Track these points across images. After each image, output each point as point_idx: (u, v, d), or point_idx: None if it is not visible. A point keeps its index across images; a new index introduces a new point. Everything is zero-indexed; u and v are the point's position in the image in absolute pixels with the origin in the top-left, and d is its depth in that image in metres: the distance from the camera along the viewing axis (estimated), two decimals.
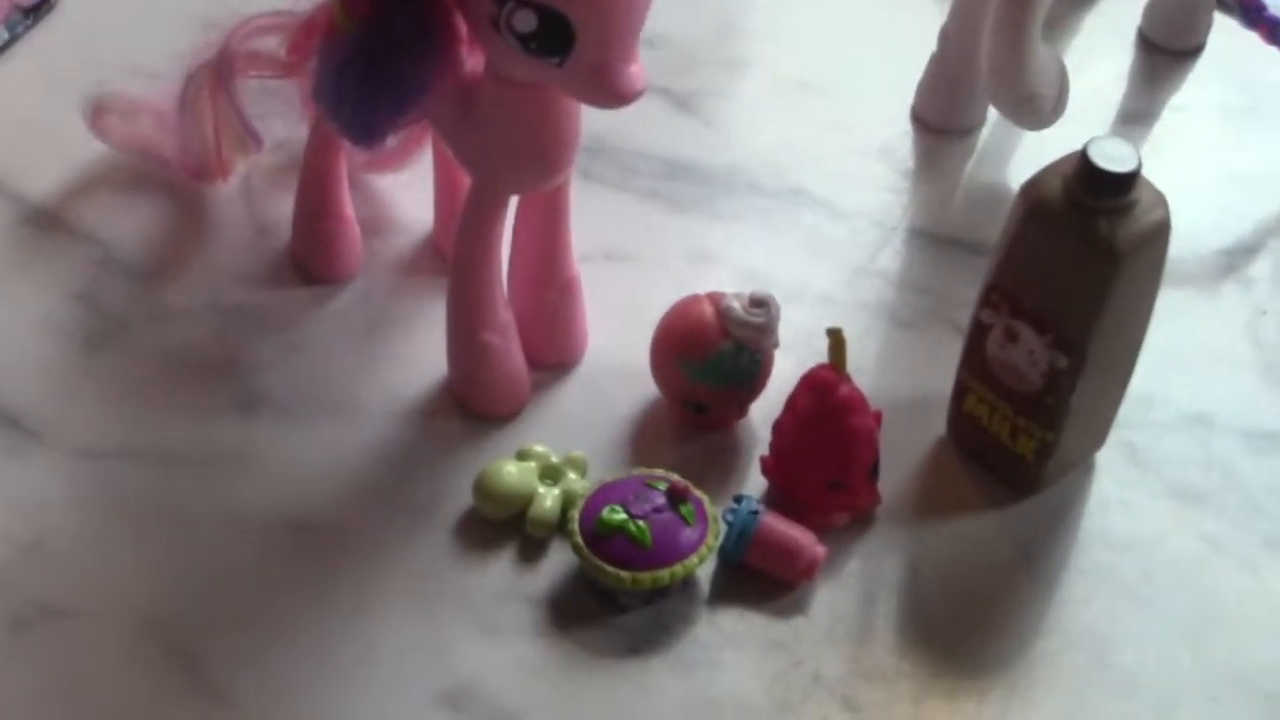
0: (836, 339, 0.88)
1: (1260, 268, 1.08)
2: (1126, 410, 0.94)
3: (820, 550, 0.88)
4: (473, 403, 0.97)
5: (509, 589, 0.89)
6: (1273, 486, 0.95)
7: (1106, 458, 0.96)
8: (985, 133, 1.15)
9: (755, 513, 0.88)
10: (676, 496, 0.88)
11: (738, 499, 0.89)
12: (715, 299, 0.93)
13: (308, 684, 0.85)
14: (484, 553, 0.90)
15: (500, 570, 0.90)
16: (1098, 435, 0.95)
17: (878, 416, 0.91)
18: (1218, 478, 0.96)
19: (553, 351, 1.00)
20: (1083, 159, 0.82)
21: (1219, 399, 1.00)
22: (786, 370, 0.93)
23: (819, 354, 0.90)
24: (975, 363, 0.92)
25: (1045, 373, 0.87)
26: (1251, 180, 1.14)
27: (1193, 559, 0.91)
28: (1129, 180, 0.81)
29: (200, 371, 0.99)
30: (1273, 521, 0.93)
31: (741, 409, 0.96)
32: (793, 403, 0.90)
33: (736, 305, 0.92)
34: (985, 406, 0.92)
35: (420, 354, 1.00)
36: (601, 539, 0.86)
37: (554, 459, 0.93)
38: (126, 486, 0.93)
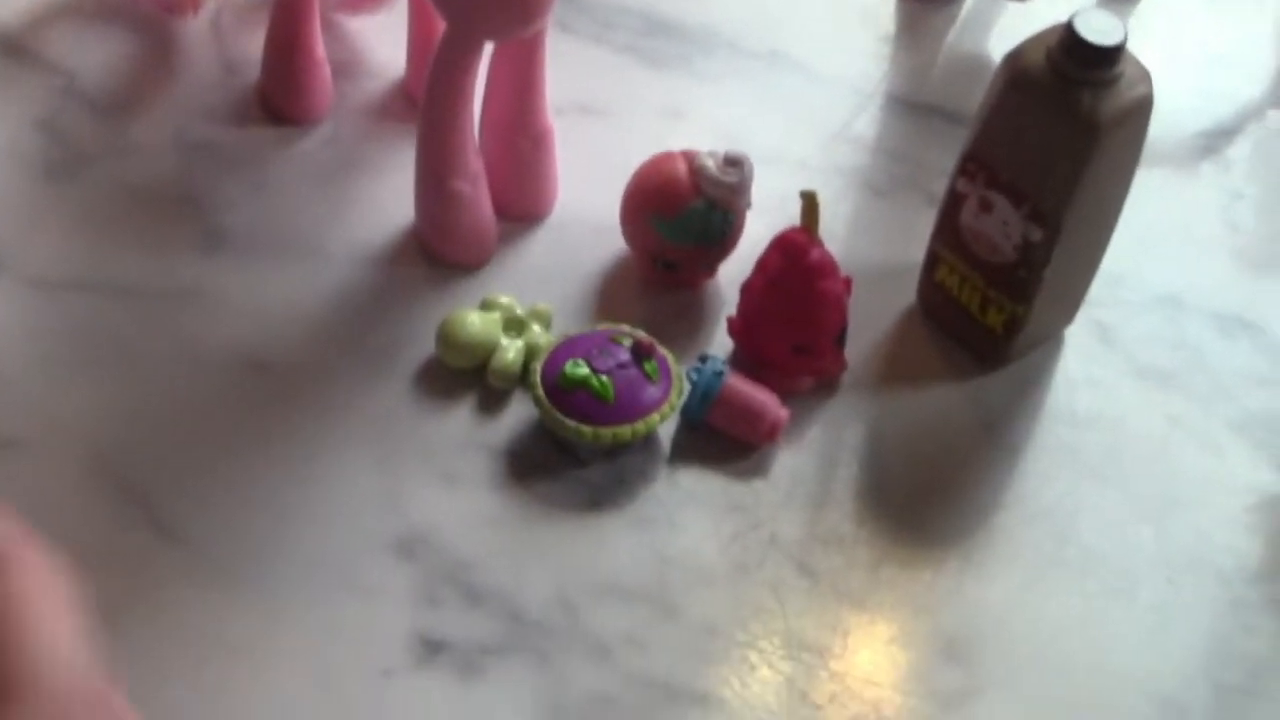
0: (810, 202, 0.87)
1: (1239, 150, 1.08)
2: (1097, 288, 0.93)
3: (783, 414, 0.87)
4: (439, 250, 0.96)
5: (468, 439, 0.88)
6: (1240, 369, 0.95)
7: (1075, 334, 0.95)
8: (968, 2, 1.14)
9: (720, 373, 0.87)
10: (641, 353, 0.87)
11: (703, 358, 0.89)
12: (689, 156, 0.92)
13: (260, 525, 0.84)
14: (444, 402, 0.89)
15: (460, 420, 0.89)
16: (1068, 311, 0.95)
17: (847, 282, 0.90)
18: (1186, 359, 0.95)
19: (522, 203, 0.98)
20: (1068, 30, 0.80)
21: (1191, 280, 1.00)
22: (757, 232, 0.92)
23: (791, 217, 0.89)
24: (948, 233, 0.91)
25: (1019, 245, 0.86)
26: (1234, 62, 1.13)
27: (1158, 439, 0.91)
28: (1114, 53, 0.80)
29: (163, 207, 0.98)
30: (1238, 405, 0.93)
31: (710, 268, 0.95)
32: (763, 264, 0.90)
33: (710, 164, 0.90)
34: (956, 277, 0.92)
35: (387, 199, 0.98)
36: (564, 392, 0.85)
37: (519, 310, 0.92)
38: (83, 318, 0.92)
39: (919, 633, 0.81)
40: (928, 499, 0.88)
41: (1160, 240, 1.01)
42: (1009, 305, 0.89)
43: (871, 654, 0.81)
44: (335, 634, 0.80)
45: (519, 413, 0.89)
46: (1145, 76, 0.82)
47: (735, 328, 0.92)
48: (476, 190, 0.93)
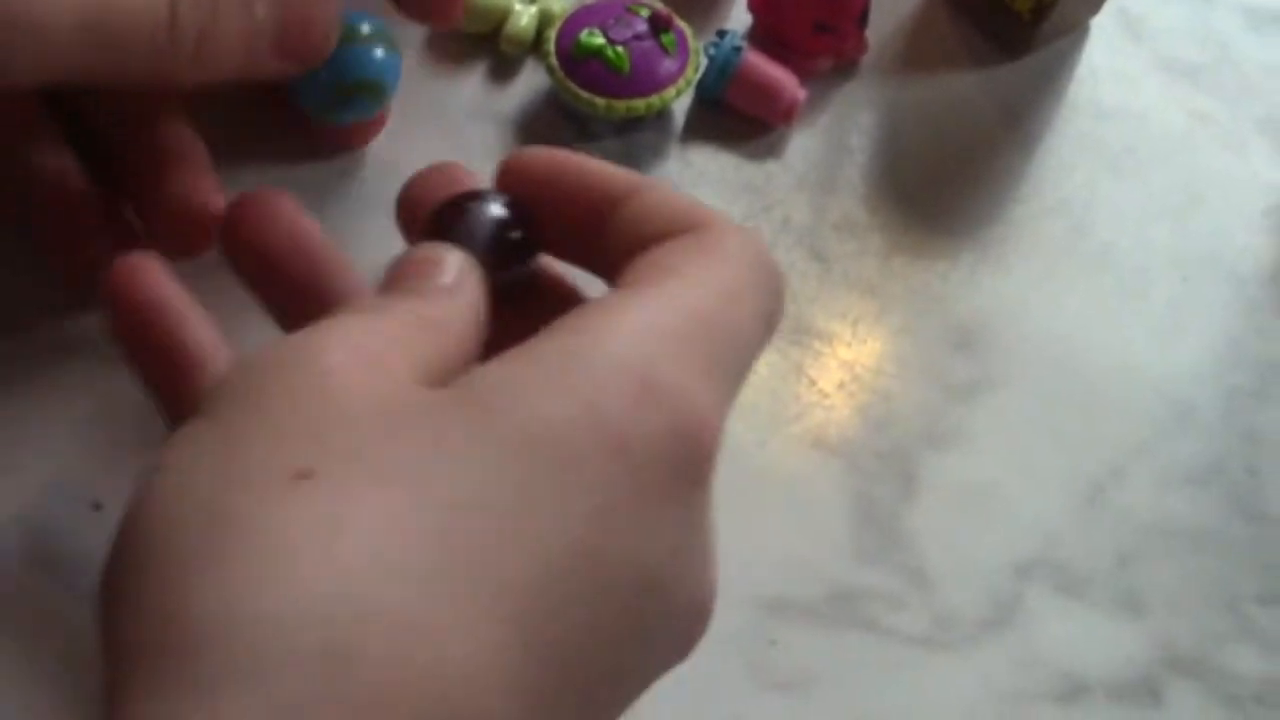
0: None
1: None
2: None
3: (801, 93, 0.85)
4: None
5: (478, 108, 0.85)
6: (1270, 67, 0.93)
7: (1101, 24, 0.93)
8: None
9: (738, 48, 0.84)
10: (659, 25, 0.84)
11: (721, 33, 0.86)
12: None
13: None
14: (454, 68, 0.86)
15: (470, 88, 0.86)
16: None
17: None
18: (1214, 53, 0.93)
19: None
20: None
21: None
22: None
23: None
24: None
25: None
26: None
27: (1181, 135, 0.89)
28: None
29: None
30: (1266, 103, 0.91)
31: None
32: None
33: None
34: None
35: None
36: (577, 62, 0.83)
37: None
38: None
39: (931, 324, 0.80)
40: (944, 188, 0.86)
41: None
42: None
43: (882, 343, 0.80)
44: None
45: (530, 82, 0.86)
46: None
47: (755, 3, 0.89)
48: None
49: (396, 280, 0.53)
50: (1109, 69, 0.91)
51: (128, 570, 0.43)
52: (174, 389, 0.59)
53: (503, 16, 0.86)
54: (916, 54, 0.90)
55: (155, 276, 0.60)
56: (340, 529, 0.43)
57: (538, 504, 0.45)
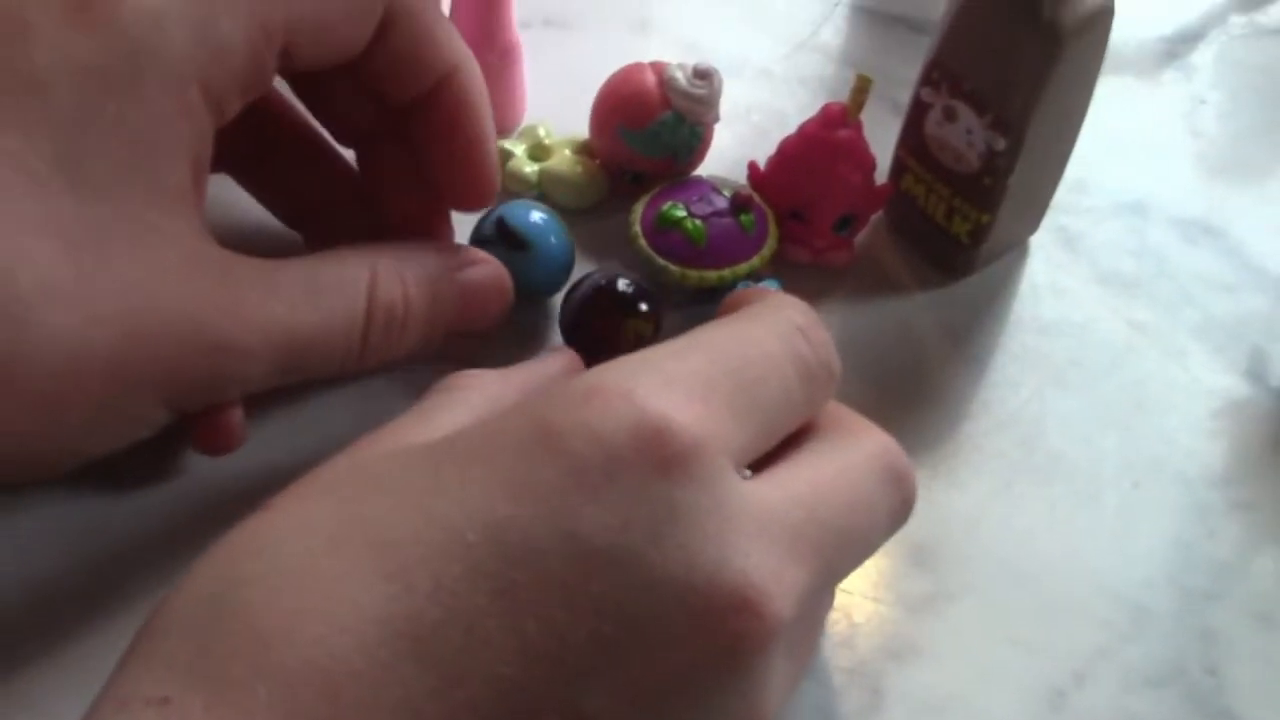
0: (861, 83, 0.89)
1: (1202, 56, 1.08)
2: (1062, 195, 0.94)
3: None
4: None
5: None
6: (1203, 275, 0.96)
7: (1040, 242, 0.96)
8: None
9: None
10: (739, 205, 0.89)
11: (757, 277, 0.89)
12: (658, 68, 0.91)
13: None
14: None
15: None
16: (1033, 219, 0.95)
17: (867, 172, 0.92)
18: (1150, 266, 0.96)
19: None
20: None
21: (1154, 187, 1.00)
22: (725, 144, 0.93)
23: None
24: (914, 141, 0.91)
25: (983, 153, 0.86)
26: None
27: (1122, 346, 0.92)
28: None
29: None
30: (1201, 310, 0.94)
31: None
32: (802, 127, 0.91)
33: (680, 76, 0.90)
34: (922, 186, 0.92)
35: None
36: (659, 232, 0.88)
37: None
38: None
39: (888, 542, 0.82)
40: (894, 409, 0.88)
41: (1123, 147, 1.02)
42: (974, 214, 0.90)
43: None
44: None
45: None
46: None
47: (755, 174, 0.93)
48: None
49: None
50: (1049, 284, 0.94)
51: None
52: None
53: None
54: (862, 279, 0.93)
55: None
56: (259, 527, 0.51)
57: (446, 483, 0.49)
